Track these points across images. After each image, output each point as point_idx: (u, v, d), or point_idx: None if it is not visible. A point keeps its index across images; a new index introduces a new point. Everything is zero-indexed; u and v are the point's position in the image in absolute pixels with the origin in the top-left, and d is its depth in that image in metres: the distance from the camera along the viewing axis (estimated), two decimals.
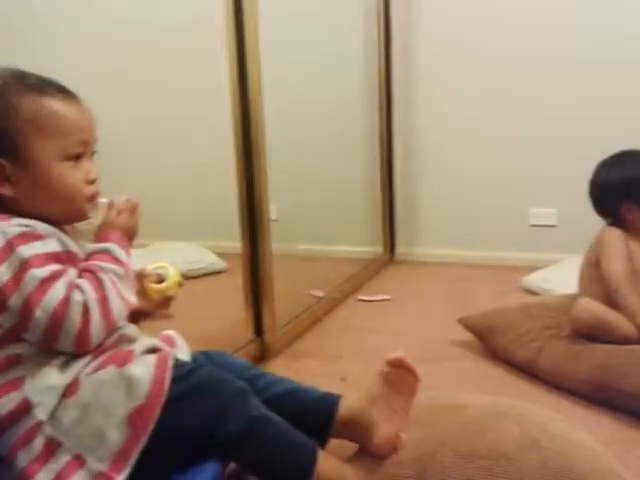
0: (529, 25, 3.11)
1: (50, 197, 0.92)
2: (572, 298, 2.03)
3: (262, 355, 2.12)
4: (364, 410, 1.00)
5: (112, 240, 0.95)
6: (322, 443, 0.97)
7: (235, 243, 2.29)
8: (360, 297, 2.83)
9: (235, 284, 2.37)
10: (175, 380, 0.87)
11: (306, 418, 0.98)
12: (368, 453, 0.99)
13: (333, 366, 2.07)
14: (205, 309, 2.36)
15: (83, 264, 0.92)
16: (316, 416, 1.00)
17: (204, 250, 3.29)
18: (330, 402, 1.02)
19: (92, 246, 0.96)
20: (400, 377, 1.00)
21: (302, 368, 2.06)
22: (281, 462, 0.89)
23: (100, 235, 0.97)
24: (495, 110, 3.22)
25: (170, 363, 0.89)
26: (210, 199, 3.48)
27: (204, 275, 3.01)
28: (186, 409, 0.86)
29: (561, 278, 2.61)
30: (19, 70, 0.95)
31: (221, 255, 3.28)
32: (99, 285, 0.88)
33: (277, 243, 2.21)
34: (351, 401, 1.03)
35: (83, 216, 0.97)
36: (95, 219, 0.97)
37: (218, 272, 3.19)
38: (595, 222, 2.01)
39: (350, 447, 1.08)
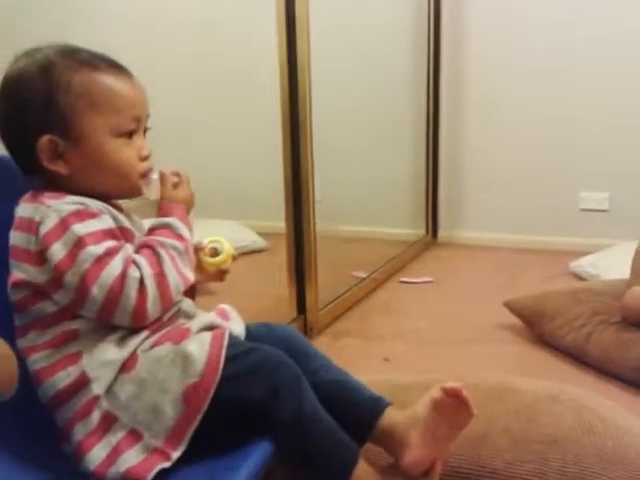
0: (583, 17, 3.02)
1: (103, 174, 0.91)
2: (622, 284, 1.98)
3: (304, 333, 2.13)
4: (404, 426, 0.96)
5: (175, 215, 0.94)
6: (359, 444, 0.96)
7: (275, 222, 2.29)
8: (402, 279, 2.81)
9: (276, 263, 2.38)
10: (231, 358, 0.87)
11: (350, 415, 0.96)
12: (399, 470, 0.97)
13: (375, 346, 2.07)
14: (247, 287, 2.37)
15: (144, 239, 0.92)
16: (360, 417, 0.98)
17: (245, 228, 3.31)
18: (377, 408, 1.00)
19: (154, 221, 0.94)
20: (452, 408, 0.93)
21: (344, 347, 2.06)
22: (324, 457, 0.89)
23: (163, 209, 0.95)
24: (544, 90, 3.14)
25: (225, 341, 0.88)
26: (252, 179, 3.50)
27: (245, 253, 3.02)
28: (241, 387, 0.86)
29: (609, 264, 2.55)
30: (70, 45, 0.93)
31: (261, 234, 3.30)
32: (157, 261, 0.87)
33: (320, 223, 2.21)
34: (397, 414, 0.99)
35: (137, 192, 0.96)
36: (149, 195, 0.97)
37: (259, 251, 3.21)
38: None
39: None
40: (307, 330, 2.14)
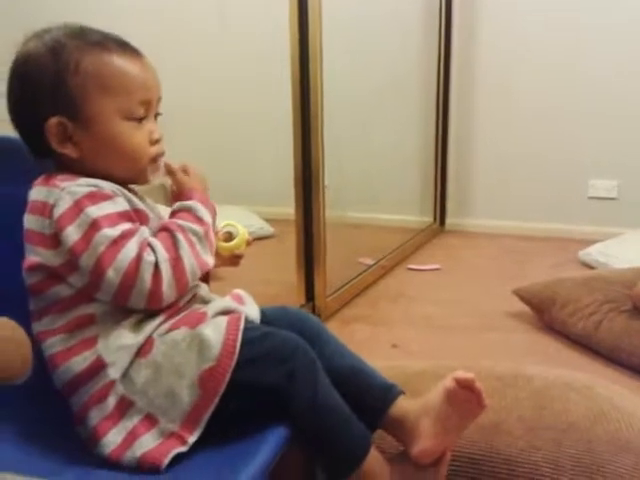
0: (595, 5, 3.00)
1: (113, 157, 0.90)
2: (632, 272, 1.98)
3: None
4: (415, 416, 0.95)
5: (195, 198, 0.93)
6: (370, 431, 0.96)
7: (282, 209, 2.27)
8: (410, 266, 2.81)
9: (284, 249, 2.37)
10: (247, 343, 0.86)
11: (362, 402, 0.96)
12: (409, 458, 0.96)
13: (383, 333, 2.07)
14: (255, 273, 2.37)
15: (163, 222, 0.91)
16: (372, 404, 0.97)
17: (252, 214, 3.31)
18: (389, 395, 0.99)
19: (176, 204, 0.93)
20: (463, 398, 0.91)
21: (352, 334, 2.06)
22: (336, 444, 0.89)
23: (183, 194, 0.94)
24: (554, 78, 3.12)
25: (241, 325, 0.87)
26: (260, 165, 3.50)
27: (253, 240, 3.02)
28: (257, 372, 0.85)
29: (619, 252, 2.54)
30: (80, 26, 0.91)
31: (268, 221, 3.30)
32: (173, 244, 0.86)
33: (328, 210, 2.21)
34: (408, 402, 0.98)
35: (144, 178, 0.94)
36: (155, 180, 0.95)
37: (266, 237, 3.21)
38: None
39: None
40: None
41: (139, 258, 0.83)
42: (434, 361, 1.36)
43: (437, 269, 2.75)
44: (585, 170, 3.13)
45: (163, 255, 0.85)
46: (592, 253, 2.67)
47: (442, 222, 3.47)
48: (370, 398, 0.98)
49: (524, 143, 3.22)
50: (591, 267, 2.62)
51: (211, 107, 3.53)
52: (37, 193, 0.88)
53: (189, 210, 0.92)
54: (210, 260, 0.92)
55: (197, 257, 0.89)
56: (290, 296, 2.15)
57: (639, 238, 2.51)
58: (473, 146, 3.35)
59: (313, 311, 2.14)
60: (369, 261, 2.68)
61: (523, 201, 3.28)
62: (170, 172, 0.96)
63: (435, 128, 3.34)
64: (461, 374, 0.92)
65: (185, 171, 0.97)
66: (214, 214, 0.96)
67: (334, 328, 2.11)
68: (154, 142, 0.93)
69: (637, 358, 1.71)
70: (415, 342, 1.98)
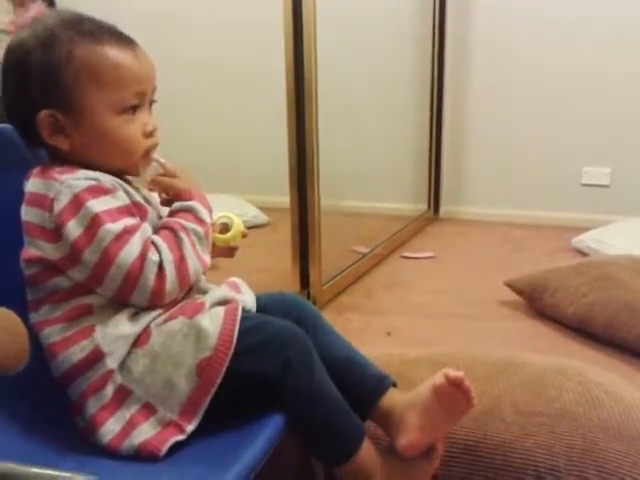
0: None
1: (104, 150, 0.89)
2: (625, 258, 1.99)
3: None
4: (403, 408, 0.96)
5: (195, 198, 0.94)
6: (363, 419, 0.96)
7: (277, 197, 2.27)
8: (404, 254, 2.81)
9: (279, 238, 2.37)
10: (244, 332, 0.86)
11: (354, 392, 0.97)
12: (396, 451, 0.97)
13: (377, 321, 2.08)
14: (250, 261, 2.36)
15: (165, 220, 0.91)
16: (363, 395, 0.99)
17: (246, 203, 3.31)
18: (380, 387, 1.00)
19: (176, 204, 0.93)
20: (453, 396, 0.92)
21: (347, 322, 2.07)
22: (330, 433, 0.90)
23: (181, 195, 0.94)
24: (548, 64, 3.12)
25: (239, 316, 0.88)
26: (255, 154, 3.49)
27: (247, 228, 3.01)
28: (254, 361, 0.86)
29: (611, 240, 2.55)
30: (74, 14, 0.90)
31: (262, 209, 3.30)
32: (177, 244, 0.87)
33: (323, 198, 2.21)
34: (399, 395, 0.99)
35: (137, 170, 0.93)
36: (146, 176, 0.95)
37: (261, 226, 3.21)
38: None
39: None
40: None
41: (143, 257, 0.83)
42: (428, 349, 1.37)
43: (431, 257, 2.76)
44: (579, 157, 3.14)
45: (167, 255, 0.85)
46: (585, 240, 2.69)
47: (436, 210, 3.47)
48: (363, 388, 0.99)
49: (518, 131, 3.23)
50: (584, 254, 2.63)
51: (206, 97, 3.52)
52: (34, 185, 0.87)
53: (190, 210, 0.92)
54: (208, 260, 0.93)
55: (198, 257, 0.90)
56: (285, 284, 2.15)
57: (631, 225, 2.52)
58: (467, 134, 3.36)
59: (308, 299, 2.15)
60: (364, 249, 2.68)
61: (517, 189, 3.28)
62: (157, 182, 0.95)
63: (429, 116, 3.34)
64: (451, 372, 0.93)
65: (173, 174, 0.96)
66: (210, 214, 0.96)
67: (329, 316, 2.11)
68: (148, 134, 0.91)
69: (632, 335, 1.72)
70: (409, 330, 1.99)
